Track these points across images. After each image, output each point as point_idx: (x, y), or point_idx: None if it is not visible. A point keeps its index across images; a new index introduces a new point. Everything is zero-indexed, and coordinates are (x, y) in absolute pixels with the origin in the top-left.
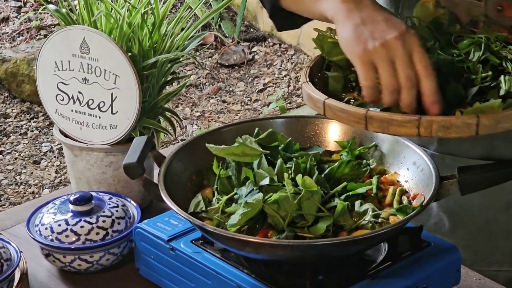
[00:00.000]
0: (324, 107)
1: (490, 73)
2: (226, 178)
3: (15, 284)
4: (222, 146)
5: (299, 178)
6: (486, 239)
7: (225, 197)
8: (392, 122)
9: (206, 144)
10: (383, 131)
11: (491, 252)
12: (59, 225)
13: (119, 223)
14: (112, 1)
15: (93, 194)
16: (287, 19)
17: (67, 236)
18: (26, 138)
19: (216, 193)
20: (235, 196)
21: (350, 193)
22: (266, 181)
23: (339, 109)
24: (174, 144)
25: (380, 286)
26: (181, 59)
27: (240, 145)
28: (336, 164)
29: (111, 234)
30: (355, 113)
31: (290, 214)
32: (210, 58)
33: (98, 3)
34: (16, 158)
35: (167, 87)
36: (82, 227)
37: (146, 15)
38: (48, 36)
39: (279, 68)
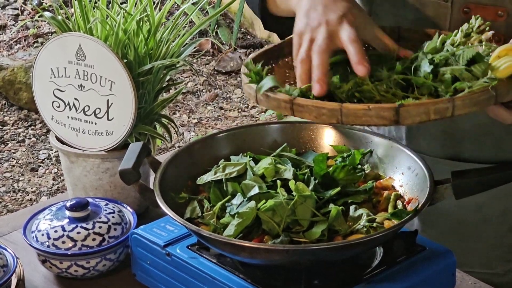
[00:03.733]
0: (256, 94)
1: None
2: (218, 188)
3: None
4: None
5: (291, 183)
6: (457, 240)
7: (219, 203)
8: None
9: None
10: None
11: (461, 253)
12: (56, 231)
13: (115, 229)
14: (107, 8)
15: (90, 200)
16: (282, 25)
17: (63, 242)
18: (24, 146)
19: (208, 202)
20: (227, 210)
21: (349, 200)
22: (255, 191)
23: (270, 97)
24: (171, 151)
25: None
26: (176, 66)
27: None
28: (331, 169)
29: (108, 240)
30: (282, 99)
31: (285, 220)
32: (207, 65)
33: (94, 10)
34: (13, 166)
35: (163, 93)
36: (78, 233)
37: (141, 22)
38: (44, 43)
39: None
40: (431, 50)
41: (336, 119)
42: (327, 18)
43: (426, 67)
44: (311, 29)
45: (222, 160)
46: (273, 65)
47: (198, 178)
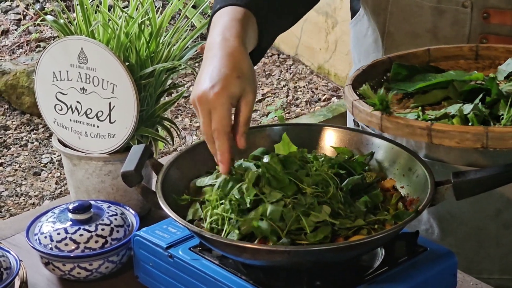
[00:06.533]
0: (381, 121)
1: None
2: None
3: None
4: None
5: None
6: (476, 247)
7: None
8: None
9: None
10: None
11: (481, 260)
12: (58, 233)
13: (118, 231)
14: (109, 12)
15: (92, 202)
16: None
17: (66, 244)
18: (26, 150)
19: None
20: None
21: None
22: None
23: (401, 124)
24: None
25: None
26: (178, 69)
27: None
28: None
29: (110, 242)
30: (417, 125)
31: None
32: None
33: (96, 14)
34: (16, 170)
35: (165, 96)
36: (81, 235)
37: (143, 25)
38: (46, 47)
39: (278, 79)
40: None
41: (481, 143)
42: (199, 90)
43: None
44: (192, 100)
45: None
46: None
47: (199, 180)
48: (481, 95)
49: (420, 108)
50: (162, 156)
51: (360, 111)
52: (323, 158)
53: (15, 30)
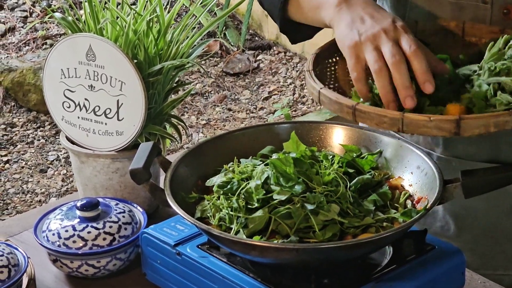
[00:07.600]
0: (319, 95)
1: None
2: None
3: None
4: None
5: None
6: (491, 243)
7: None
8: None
9: None
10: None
11: (495, 256)
12: (66, 230)
13: (125, 229)
14: (117, 9)
15: (100, 200)
16: (298, 31)
17: (74, 241)
18: (33, 147)
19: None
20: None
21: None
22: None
23: (333, 100)
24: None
25: None
26: (186, 66)
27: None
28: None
29: (118, 239)
30: (344, 103)
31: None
32: (215, 67)
33: (104, 11)
34: (23, 167)
35: (172, 94)
36: (89, 232)
37: (151, 23)
38: (54, 44)
39: (284, 76)
40: (493, 55)
41: (397, 127)
42: (381, 26)
43: (485, 85)
44: (368, 38)
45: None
46: (337, 58)
47: (208, 180)
48: None
49: None
50: (168, 154)
51: (308, 83)
52: (332, 157)
53: (22, 27)
